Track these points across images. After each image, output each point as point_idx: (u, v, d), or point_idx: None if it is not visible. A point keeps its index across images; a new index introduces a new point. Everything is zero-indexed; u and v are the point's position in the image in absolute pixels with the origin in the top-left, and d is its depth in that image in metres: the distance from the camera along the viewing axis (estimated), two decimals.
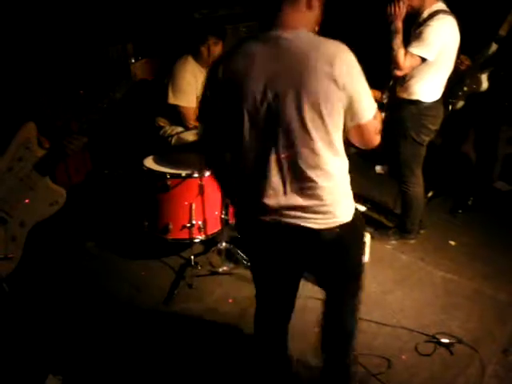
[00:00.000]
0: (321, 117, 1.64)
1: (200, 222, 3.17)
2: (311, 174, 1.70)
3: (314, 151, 1.67)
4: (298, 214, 1.74)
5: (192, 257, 3.22)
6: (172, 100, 3.47)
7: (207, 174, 3.02)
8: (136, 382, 2.46)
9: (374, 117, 1.74)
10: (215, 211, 3.23)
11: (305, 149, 1.67)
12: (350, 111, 1.68)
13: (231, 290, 3.09)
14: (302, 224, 1.74)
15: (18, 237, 2.10)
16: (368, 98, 1.70)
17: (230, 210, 3.23)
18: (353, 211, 1.83)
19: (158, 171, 3.15)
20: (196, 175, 3.09)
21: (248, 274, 3.20)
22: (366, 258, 3.24)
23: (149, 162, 3.26)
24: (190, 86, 3.45)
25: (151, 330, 2.77)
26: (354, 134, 1.76)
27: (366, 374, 2.46)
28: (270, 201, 1.74)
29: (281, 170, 1.71)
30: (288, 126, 1.66)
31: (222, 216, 3.16)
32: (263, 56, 1.65)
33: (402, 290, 3.06)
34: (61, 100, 3.05)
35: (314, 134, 1.65)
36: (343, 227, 1.77)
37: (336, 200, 1.76)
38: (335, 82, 1.60)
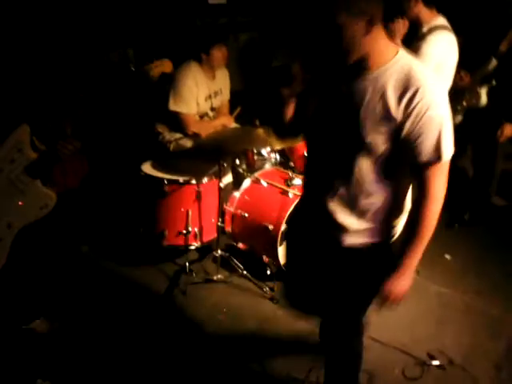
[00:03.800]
0: None
1: (196, 229, 3.17)
2: None
3: None
4: None
5: (187, 264, 3.21)
6: (173, 107, 3.46)
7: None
8: None
9: None
10: (211, 218, 3.22)
11: None
12: None
13: (225, 299, 3.08)
14: None
15: (4, 239, 2.09)
16: None
17: (226, 217, 3.23)
18: None
19: (155, 177, 3.14)
20: (193, 181, 3.09)
21: (242, 282, 3.22)
22: None
23: (146, 168, 3.26)
24: (191, 92, 3.45)
25: (144, 336, 2.75)
26: None
27: None
28: None
29: None
30: None
31: (218, 223, 3.15)
32: None
33: None
34: (58, 103, 3.04)
35: None
36: None
37: None
38: None
